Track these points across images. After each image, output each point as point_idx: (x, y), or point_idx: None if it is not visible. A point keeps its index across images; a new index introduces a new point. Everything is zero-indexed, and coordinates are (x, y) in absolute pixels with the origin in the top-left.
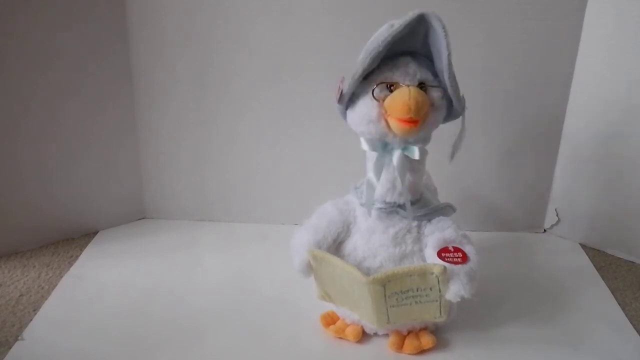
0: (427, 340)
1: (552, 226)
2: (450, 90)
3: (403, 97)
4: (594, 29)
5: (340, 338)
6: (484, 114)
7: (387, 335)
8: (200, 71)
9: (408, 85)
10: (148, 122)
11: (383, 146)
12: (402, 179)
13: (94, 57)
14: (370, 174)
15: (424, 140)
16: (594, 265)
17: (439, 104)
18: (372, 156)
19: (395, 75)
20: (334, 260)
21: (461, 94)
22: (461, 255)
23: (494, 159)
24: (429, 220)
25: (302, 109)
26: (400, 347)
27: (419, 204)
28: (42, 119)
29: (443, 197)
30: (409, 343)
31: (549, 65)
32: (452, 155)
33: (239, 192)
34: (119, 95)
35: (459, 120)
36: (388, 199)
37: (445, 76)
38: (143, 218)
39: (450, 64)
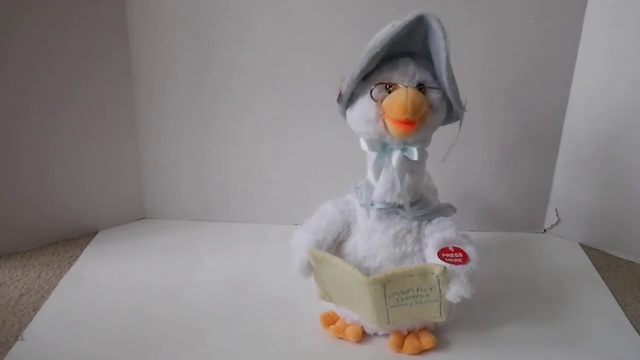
0: (427, 340)
1: (552, 226)
2: (449, 92)
3: (400, 98)
4: (594, 29)
5: (340, 338)
6: (484, 114)
7: (387, 335)
8: (200, 71)
9: (406, 87)
10: (148, 122)
11: (382, 147)
12: (400, 179)
13: (94, 57)
14: (370, 174)
15: (423, 142)
16: (594, 265)
17: (438, 105)
18: (371, 156)
19: (394, 76)
20: (334, 260)
21: (464, 99)
22: (461, 256)
23: (494, 159)
24: (429, 221)
25: (302, 109)
26: (400, 347)
27: (419, 204)
28: (42, 119)
29: (443, 197)
30: (409, 343)
31: (549, 65)
32: (445, 157)
33: (238, 192)
34: (119, 95)
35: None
36: (387, 200)
37: (444, 78)
38: (143, 218)
39: (449, 66)
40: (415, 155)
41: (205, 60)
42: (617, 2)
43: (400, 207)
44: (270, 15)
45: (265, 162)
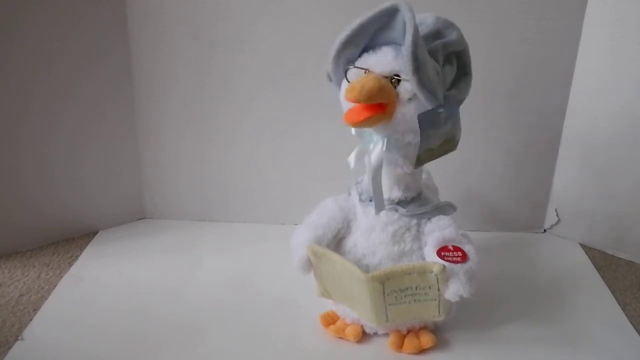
0: (427, 339)
1: (552, 226)
2: (413, 86)
3: (356, 80)
4: (594, 29)
5: (340, 338)
6: (484, 114)
7: (387, 334)
8: (200, 71)
9: (371, 72)
10: (148, 122)
11: (369, 134)
12: (374, 169)
13: (94, 57)
14: (350, 156)
15: (402, 134)
16: (594, 265)
17: (408, 97)
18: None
19: (369, 62)
20: (334, 256)
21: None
22: (461, 255)
23: (494, 159)
24: (429, 219)
25: (302, 109)
26: (400, 346)
27: (418, 202)
28: (42, 119)
29: (444, 197)
30: (409, 342)
31: (549, 66)
32: (415, 163)
33: (238, 192)
34: (119, 95)
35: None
36: (385, 196)
37: (407, 68)
38: (143, 218)
39: (414, 58)
40: (384, 146)
41: (205, 60)
42: (617, 2)
43: (398, 203)
44: (270, 15)
45: (265, 162)
